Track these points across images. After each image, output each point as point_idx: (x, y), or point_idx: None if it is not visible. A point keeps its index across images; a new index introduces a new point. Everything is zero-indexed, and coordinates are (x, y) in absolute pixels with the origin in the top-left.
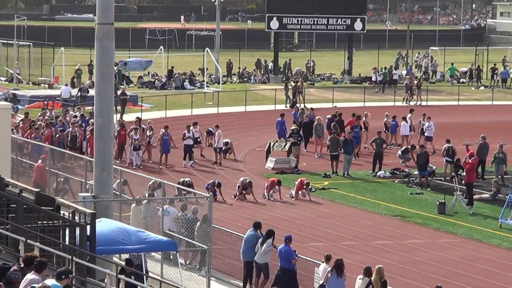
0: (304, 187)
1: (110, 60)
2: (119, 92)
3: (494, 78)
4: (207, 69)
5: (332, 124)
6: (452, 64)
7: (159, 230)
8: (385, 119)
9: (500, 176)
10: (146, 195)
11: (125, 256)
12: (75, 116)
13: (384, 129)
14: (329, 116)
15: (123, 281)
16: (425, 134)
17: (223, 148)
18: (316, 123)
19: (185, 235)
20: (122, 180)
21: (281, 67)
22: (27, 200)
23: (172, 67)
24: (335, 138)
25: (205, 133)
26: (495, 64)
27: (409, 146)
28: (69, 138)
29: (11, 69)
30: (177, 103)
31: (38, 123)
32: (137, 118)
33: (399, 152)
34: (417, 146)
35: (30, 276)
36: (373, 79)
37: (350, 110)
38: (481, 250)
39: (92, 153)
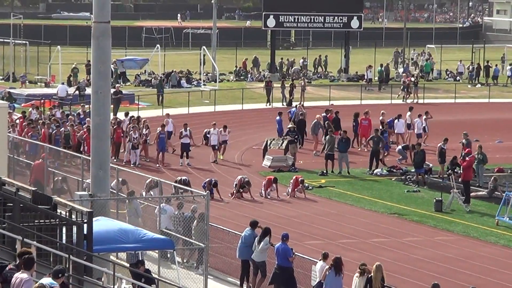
0: (300, 185)
1: (107, 58)
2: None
3: (482, 76)
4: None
5: (326, 122)
6: (427, 60)
7: (154, 228)
8: (381, 117)
9: (480, 178)
10: (143, 193)
11: (123, 254)
12: (70, 115)
13: (381, 127)
14: (323, 114)
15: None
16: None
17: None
18: (315, 121)
19: (182, 233)
20: (121, 179)
21: (277, 67)
22: (24, 199)
23: (173, 70)
24: (332, 137)
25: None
26: (488, 62)
27: (409, 144)
28: (62, 137)
29: (6, 68)
30: (174, 101)
31: (40, 121)
32: (134, 116)
33: (400, 147)
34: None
35: (19, 274)
36: (365, 77)
37: (347, 108)
38: (478, 247)
39: (89, 151)
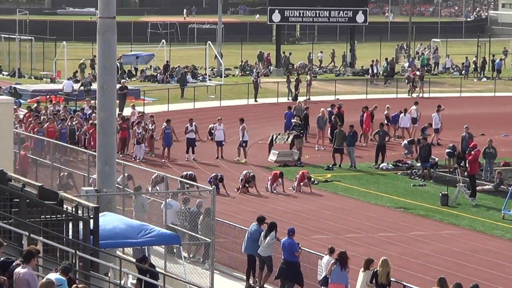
0: (306, 179)
1: (112, 54)
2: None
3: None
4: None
5: (332, 117)
6: (423, 53)
7: (160, 224)
8: (386, 111)
9: (489, 172)
10: (149, 188)
11: (129, 249)
12: (75, 111)
13: (385, 122)
14: (329, 109)
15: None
16: (400, 125)
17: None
18: (319, 115)
19: (188, 228)
20: (127, 174)
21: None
22: (30, 194)
23: (167, 61)
24: (341, 132)
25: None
26: (493, 55)
27: (415, 139)
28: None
29: (12, 64)
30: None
31: (42, 117)
32: (140, 112)
33: (405, 141)
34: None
35: (20, 269)
36: (370, 71)
37: (352, 103)
38: (484, 241)
39: (95, 147)
